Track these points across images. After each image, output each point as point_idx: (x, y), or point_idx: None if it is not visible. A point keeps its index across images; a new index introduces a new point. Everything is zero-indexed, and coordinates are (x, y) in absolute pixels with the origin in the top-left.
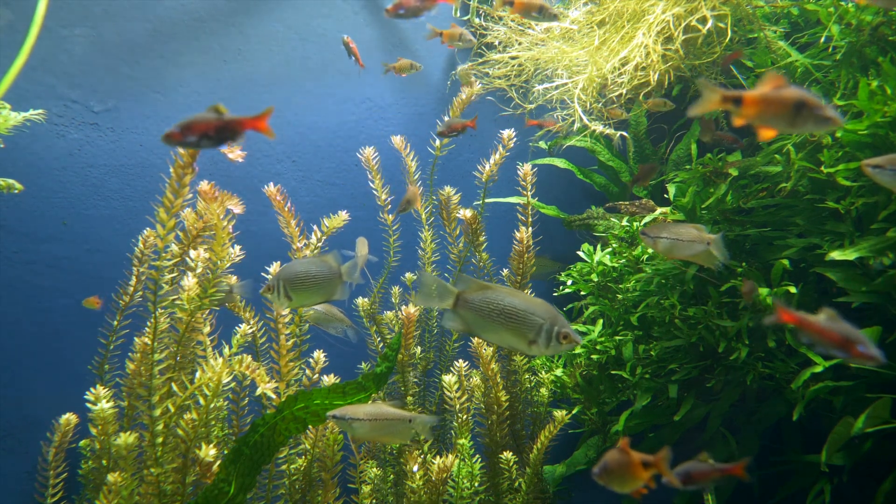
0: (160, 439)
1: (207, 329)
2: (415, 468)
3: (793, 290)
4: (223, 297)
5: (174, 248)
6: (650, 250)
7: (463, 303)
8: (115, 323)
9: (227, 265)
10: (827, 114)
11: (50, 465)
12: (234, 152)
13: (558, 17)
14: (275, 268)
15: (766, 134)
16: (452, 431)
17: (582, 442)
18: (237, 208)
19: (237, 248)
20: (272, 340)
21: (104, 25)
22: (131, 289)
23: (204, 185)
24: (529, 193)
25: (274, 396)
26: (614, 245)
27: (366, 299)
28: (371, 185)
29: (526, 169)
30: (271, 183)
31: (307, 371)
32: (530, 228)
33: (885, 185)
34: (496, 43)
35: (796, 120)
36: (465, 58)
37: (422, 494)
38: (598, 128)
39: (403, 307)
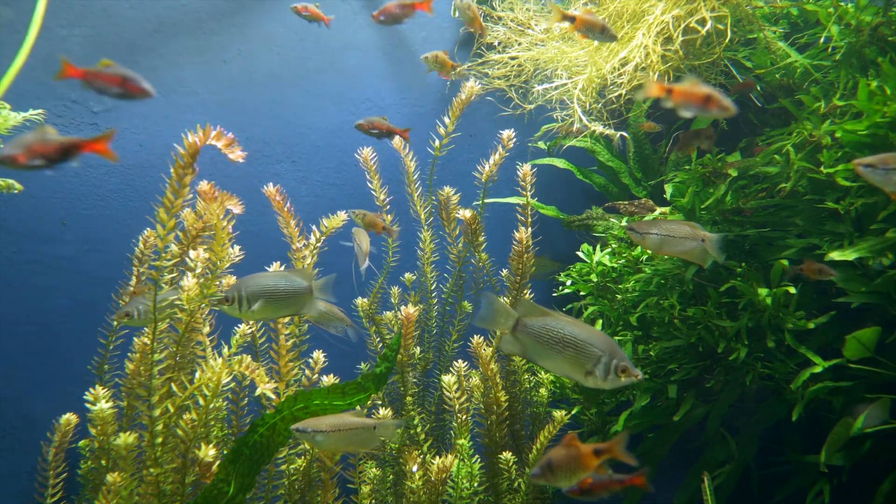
0: (160, 439)
1: (207, 329)
2: (414, 468)
3: (792, 290)
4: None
5: (174, 248)
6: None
7: (522, 327)
8: (115, 323)
9: (227, 265)
10: None
11: (50, 465)
12: (235, 152)
13: (617, 38)
14: (274, 267)
15: None
16: (452, 432)
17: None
18: (237, 208)
19: (237, 248)
20: (272, 340)
21: (104, 25)
22: (131, 289)
23: (204, 185)
24: (529, 194)
25: (273, 397)
26: (613, 245)
27: (365, 299)
28: (370, 185)
29: (525, 169)
30: (270, 183)
31: (307, 371)
32: (530, 229)
33: (877, 184)
34: (496, 43)
35: None
36: (465, 56)
37: (421, 494)
38: (598, 128)
39: (402, 307)
